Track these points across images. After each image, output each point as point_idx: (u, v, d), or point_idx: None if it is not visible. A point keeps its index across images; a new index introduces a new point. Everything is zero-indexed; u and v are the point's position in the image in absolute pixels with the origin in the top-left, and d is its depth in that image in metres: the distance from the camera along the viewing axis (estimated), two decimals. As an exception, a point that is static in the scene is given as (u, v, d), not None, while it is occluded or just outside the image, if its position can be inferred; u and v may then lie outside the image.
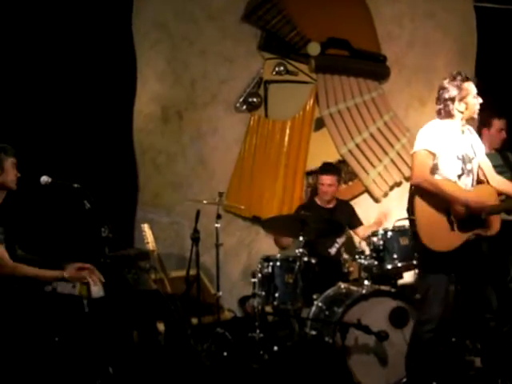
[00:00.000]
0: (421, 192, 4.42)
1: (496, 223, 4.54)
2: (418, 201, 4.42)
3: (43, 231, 5.89)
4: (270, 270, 5.36)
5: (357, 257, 5.57)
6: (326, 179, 6.24)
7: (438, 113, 4.57)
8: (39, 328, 4.17)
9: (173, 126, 6.70)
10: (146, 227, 5.68)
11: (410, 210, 4.49)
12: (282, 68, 6.83)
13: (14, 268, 4.28)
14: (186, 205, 6.27)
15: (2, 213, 4.41)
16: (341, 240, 6.12)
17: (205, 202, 5.87)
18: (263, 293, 5.34)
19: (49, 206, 5.90)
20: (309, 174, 6.82)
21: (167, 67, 6.69)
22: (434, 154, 4.44)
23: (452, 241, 4.42)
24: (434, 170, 4.48)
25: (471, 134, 4.66)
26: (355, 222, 6.35)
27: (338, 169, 6.55)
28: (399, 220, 5.44)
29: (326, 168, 6.35)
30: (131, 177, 6.58)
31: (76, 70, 6.26)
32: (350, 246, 6.40)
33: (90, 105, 6.31)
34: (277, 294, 5.32)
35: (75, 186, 4.63)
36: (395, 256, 5.44)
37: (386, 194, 7.06)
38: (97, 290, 4.40)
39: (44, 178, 4.61)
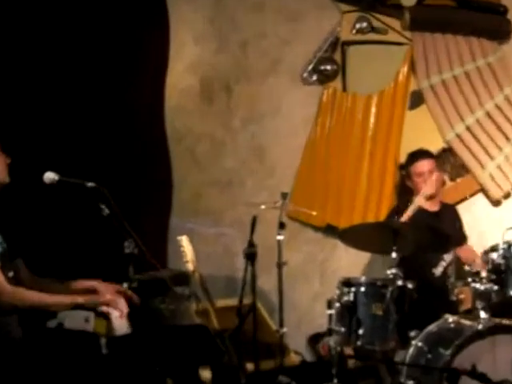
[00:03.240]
0: None
1: None
2: None
3: (49, 245, 5.95)
4: (351, 297, 5.31)
5: (469, 280, 5.47)
6: (424, 164, 6.22)
7: None
8: (42, 376, 4.15)
9: (218, 104, 6.77)
10: (183, 240, 5.69)
11: None
12: (364, 24, 6.82)
13: (13, 294, 4.26)
14: (237, 210, 6.26)
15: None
16: (449, 257, 6.03)
17: (262, 206, 5.82)
18: (342, 329, 5.29)
19: (55, 211, 5.99)
20: (401, 167, 6.71)
21: (210, 26, 6.76)
22: None
23: None
24: None
25: None
26: (460, 235, 6.31)
27: (433, 154, 6.49)
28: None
29: (419, 152, 6.34)
30: (163, 173, 6.63)
31: (93, 27, 6.36)
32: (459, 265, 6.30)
33: (108, 78, 6.37)
34: (361, 331, 5.27)
35: (89, 185, 4.64)
36: (522, 279, 5.35)
37: (507, 195, 6.93)
38: (120, 325, 4.37)
39: (49, 175, 4.63)
